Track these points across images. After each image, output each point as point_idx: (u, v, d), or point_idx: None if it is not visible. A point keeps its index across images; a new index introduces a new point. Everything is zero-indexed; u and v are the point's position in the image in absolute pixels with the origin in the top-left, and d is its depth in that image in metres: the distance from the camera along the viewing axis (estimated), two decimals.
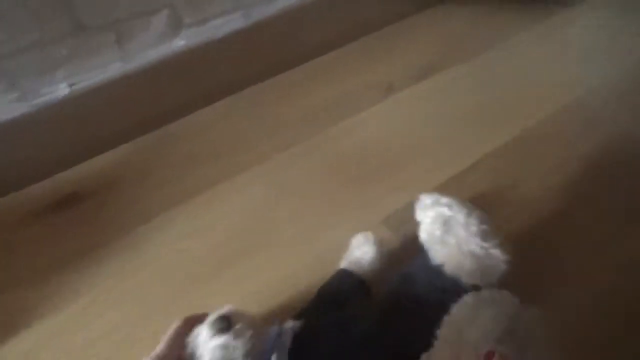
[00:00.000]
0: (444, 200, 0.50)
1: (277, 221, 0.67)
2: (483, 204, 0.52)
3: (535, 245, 0.60)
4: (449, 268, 0.46)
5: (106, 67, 0.75)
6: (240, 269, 0.61)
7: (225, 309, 0.41)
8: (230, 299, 0.51)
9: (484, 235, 0.46)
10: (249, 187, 0.72)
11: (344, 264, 0.54)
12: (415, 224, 0.52)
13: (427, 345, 0.39)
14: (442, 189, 0.69)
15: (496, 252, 0.46)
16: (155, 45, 0.78)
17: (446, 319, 0.41)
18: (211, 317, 0.41)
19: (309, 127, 0.80)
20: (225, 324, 0.40)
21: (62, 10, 0.67)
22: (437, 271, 0.47)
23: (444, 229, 0.48)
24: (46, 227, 0.67)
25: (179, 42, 0.79)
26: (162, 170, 0.75)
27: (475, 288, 0.44)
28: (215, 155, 0.77)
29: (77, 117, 0.75)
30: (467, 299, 0.42)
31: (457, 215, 0.48)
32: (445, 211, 0.48)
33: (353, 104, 0.83)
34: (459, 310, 0.41)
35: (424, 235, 0.49)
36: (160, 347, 0.41)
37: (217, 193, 0.71)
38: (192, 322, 0.43)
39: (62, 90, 0.72)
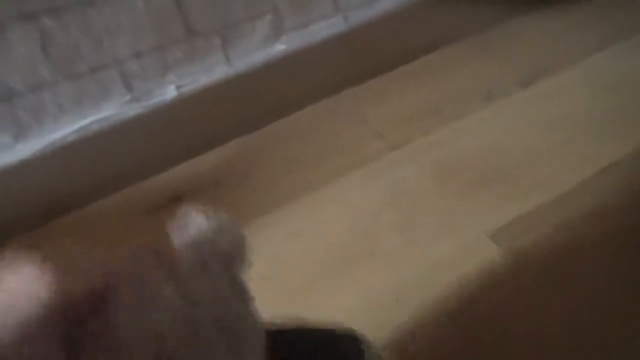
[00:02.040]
0: None
1: (381, 228, 0.65)
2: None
3: None
4: None
5: (212, 70, 0.77)
6: (342, 279, 0.59)
7: None
8: (329, 312, 0.49)
9: None
10: (350, 191, 0.70)
11: None
12: (526, 240, 0.47)
13: None
14: (556, 204, 0.63)
15: None
16: (258, 49, 0.79)
17: None
18: None
19: (412, 131, 0.77)
20: None
21: (177, 17, 0.70)
22: None
23: None
24: (149, 226, 0.69)
25: (280, 46, 0.80)
26: (262, 172, 0.76)
27: None
28: (316, 158, 0.76)
29: (182, 119, 0.78)
30: None
31: None
32: None
33: (456, 109, 0.80)
34: None
35: None
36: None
37: (317, 197, 0.70)
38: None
39: (170, 92, 0.76)
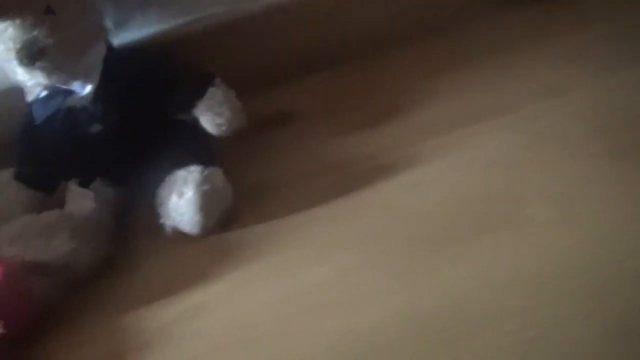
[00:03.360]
0: None
1: (526, 196, 0.48)
2: None
3: None
4: None
5: None
6: (471, 247, 0.45)
7: None
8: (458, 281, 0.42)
9: None
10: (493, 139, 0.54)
11: None
12: None
13: None
14: None
15: None
16: None
17: None
18: None
19: None
20: None
21: None
22: None
23: None
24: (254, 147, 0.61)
25: None
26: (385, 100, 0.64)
27: None
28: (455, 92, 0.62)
29: (302, 24, 0.68)
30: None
31: None
32: None
33: None
34: None
35: None
36: None
37: (453, 139, 0.56)
38: None
39: None
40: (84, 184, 0.53)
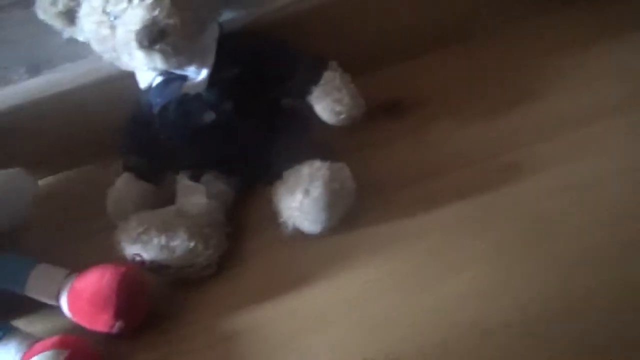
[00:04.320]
0: None
1: None
2: None
3: None
4: None
5: None
6: None
7: None
8: None
9: None
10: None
11: None
12: None
13: None
14: None
15: None
16: None
17: None
18: None
19: None
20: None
21: None
22: None
23: None
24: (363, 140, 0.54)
25: None
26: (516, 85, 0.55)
27: None
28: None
29: None
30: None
31: None
32: None
33: None
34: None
35: None
36: None
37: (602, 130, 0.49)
38: None
39: None
40: (195, 177, 0.49)
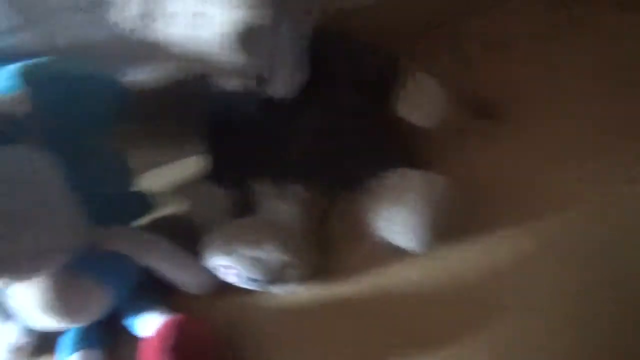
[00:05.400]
0: None
1: None
2: None
3: None
4: None
5: None
6: None
7: None
8: None
9: None
10: None
11: None
12: None
13: None
14: None
15: None
16: None
17: None
18: None
19: None
20: None
21: None
22: None
23: None
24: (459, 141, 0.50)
25: None
26: None
27: None
28: None
29: None
30: None
31: None
32: None
33: None
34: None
35: None
36: None
37: None
38: None
39: None
40: (278, 184, 0.47)
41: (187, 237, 0.46)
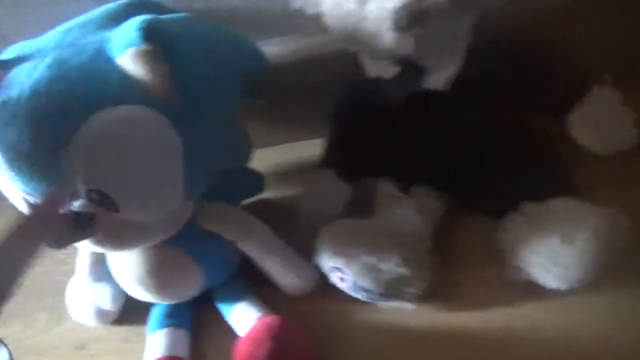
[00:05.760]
0: None
1: None
2: None
3: None
4: None
5: None
6: None
7: None
8: None
9: None
10: None
11: None
12: None
13: None
14: None
15: None
16: None
17: None
18: None
19: None
20: None
21: None
22: None
23: None
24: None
25: None
26: None
27: None
28: None
29: None
30: None
31: None
32: None
33: None
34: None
35: None
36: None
37: None
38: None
39: None
40: (402, 186, 0.42)
41: (292, 227, 0.43)
